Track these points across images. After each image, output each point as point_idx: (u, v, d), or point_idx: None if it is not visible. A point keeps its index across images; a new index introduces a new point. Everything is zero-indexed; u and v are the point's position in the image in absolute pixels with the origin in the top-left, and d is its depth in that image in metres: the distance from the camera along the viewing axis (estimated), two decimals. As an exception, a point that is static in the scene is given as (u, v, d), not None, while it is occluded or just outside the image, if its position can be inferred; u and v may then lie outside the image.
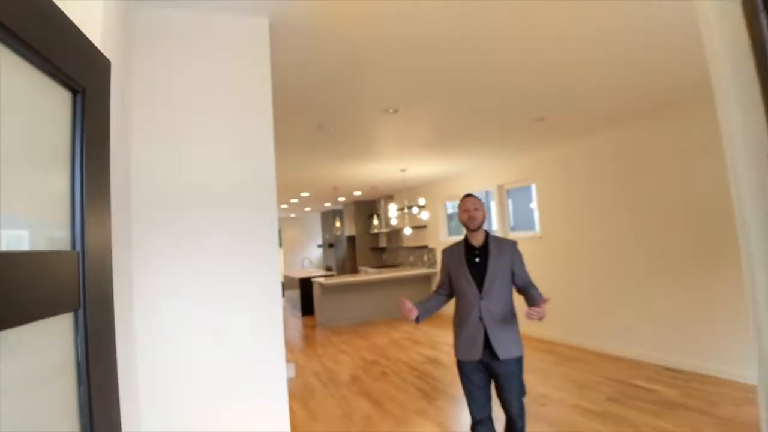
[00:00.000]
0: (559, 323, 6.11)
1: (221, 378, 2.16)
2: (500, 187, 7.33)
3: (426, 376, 5.13)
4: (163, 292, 2.06)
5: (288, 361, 5.60)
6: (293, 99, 3.65)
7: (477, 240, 2.67)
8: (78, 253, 0.88)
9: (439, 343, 6.72)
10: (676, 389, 4.14)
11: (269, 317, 2.32)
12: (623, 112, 4.62)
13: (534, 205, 7.56)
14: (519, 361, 2.59)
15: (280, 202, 11.37)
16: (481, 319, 2.55)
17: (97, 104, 0.98)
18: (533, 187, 7.14)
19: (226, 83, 2.25)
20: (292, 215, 16.27)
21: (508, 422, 2.64)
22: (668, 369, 4.70)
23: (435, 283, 9.27)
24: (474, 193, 2.79)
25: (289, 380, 5.37)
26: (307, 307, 10.11)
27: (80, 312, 0.88)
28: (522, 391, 2.60)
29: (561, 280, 5.96)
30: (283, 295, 5.39)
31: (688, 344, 4.63)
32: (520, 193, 7.34)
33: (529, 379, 4.15)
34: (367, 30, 2.52)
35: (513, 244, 2.71)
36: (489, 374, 2.61)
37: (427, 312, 2.70)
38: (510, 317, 2.60)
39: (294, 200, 11.13)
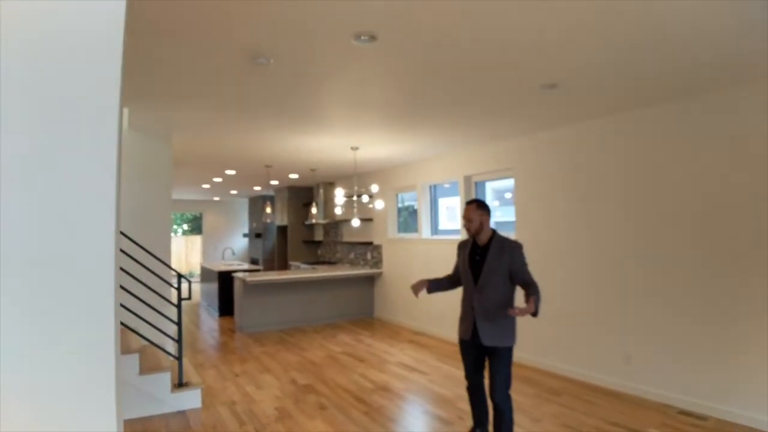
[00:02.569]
0: (539, 346, 5.12)
1: None
2: (467, 179, 6.26)
3: (376, 413, 3.91)
4: None
5: (192, 385, 4.14)
6: (216, 12, 2.29)
7: (481, 240, 3.00)
8: None
9: (388, 362, 5.50)
10: (708, 445, 3.22)
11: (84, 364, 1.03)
12: (655, 89, 3.66)
13: (496, 203, 6.62)
14: (506, 350, 2.89)
15: (200, 180, 9.65)
16: (473, 308, 2.95)
17: None
18: (487, 185, 6.16)
19: None
20: (216, 198, 14.40)
21: (495, 413, 2.91)
22: (682, 412, 3.78)
23: (379, 284, 8.11)
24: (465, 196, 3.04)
25: (192, 412, 3.94)
26: (225, 306, 8.54)
27: None
28: (506, 383, 2.88)
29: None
30: (188, 298, 3.95)
31: (705, 382, 3.76)
32: (479, 188, 6.30)
33: (515, 420, 3.15)
34: None
35: (515, 246, 2.96)
36: (482, 354, 2.99)
37: (437, 285, 3.22)
38: (501, 311, 2.86)
39: (217, 179, 9.47)
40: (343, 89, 3.70)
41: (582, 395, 4.27)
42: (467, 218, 2.97)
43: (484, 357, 2.99)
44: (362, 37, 2.70)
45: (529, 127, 5.01)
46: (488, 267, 2.89)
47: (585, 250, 4.71)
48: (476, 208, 2.97)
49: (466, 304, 3.03)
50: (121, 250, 3.78)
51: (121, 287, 3.54)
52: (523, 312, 2.67)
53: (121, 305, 3.62)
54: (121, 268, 3.64)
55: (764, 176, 3.45)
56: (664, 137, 4.06)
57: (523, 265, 2.93)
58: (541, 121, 4.73)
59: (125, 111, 4.41)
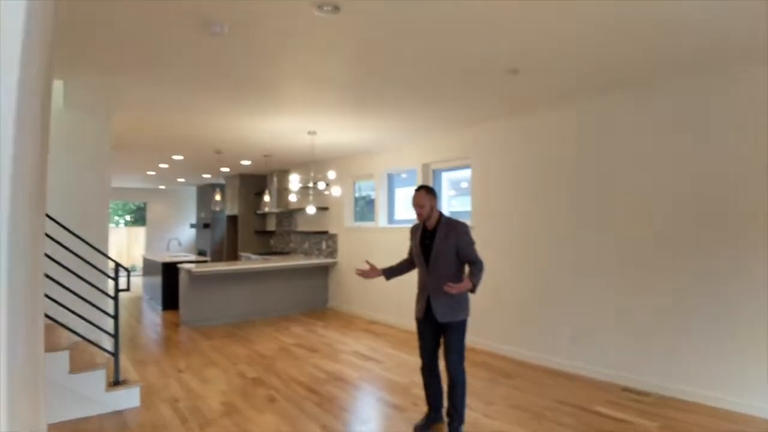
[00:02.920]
0: (492, 330, 5.14)
1: None
2: (425, 166, 6.18)
3: (329, 403, 3.77)
4: None
5: (130, 382, 3.84)
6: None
7: (429, 224, 3.12)
8: None
9: (343, 352, 5.36)
10: (652, 419, 3.34)
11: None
12: (614, 74, 3.67)
13: (452, 192, 6.59)
14: (460, 324, 3.04)
15: (145, 166, 9.11)
16: (426, 288, 3.08)
17: None
18: (444, 175, 6.12)
19: None
20: (162, 186, 13.72)
21: (449, 385, 3.02)
22: (626, 389, 3.93)
23: (334, 274, 7.95)
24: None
25: (130, 411, 3.65)
26: (170, 299, 8.10)
27: None
28: (460, 355, 3.02)
29: (494, 279, 4.95)
30: (127, 289, 3.63)
31: (648, 360, 3.91)
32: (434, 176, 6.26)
33: (468, 404, 3.20)
34: None
35: (461, 227, 3.07)
36: (438, 331, 3.09)
37: (392, 272, 3.34)
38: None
39: (163, 165, 8.97)
40: (302, 64, 3.50)
41: (533, 377, 4.35)
42: (419, 204, 3.05)
43: (440, 335, 3.10)
44: (325, 8, 2.53)
45: (487, 117, 4.98)
46: (437, 249, 3.03)
47: (536, 237, 4.76)
48: (426, 193, 3.07)
49: (421, 284, 3.17)
50: (47, 235, 3.43)
51: (47, 276, 3.20)
52: (458, 288, 2.82)
53: (47, 296, 3.28)
54: (47, 256, 3.29)
55: (704, 166, 3.58)
56: (615, 126, 4.14)
57: (469, 244, 3.04)
58: (500, 110, 4.71)
59: (59, 84, 4.01)
